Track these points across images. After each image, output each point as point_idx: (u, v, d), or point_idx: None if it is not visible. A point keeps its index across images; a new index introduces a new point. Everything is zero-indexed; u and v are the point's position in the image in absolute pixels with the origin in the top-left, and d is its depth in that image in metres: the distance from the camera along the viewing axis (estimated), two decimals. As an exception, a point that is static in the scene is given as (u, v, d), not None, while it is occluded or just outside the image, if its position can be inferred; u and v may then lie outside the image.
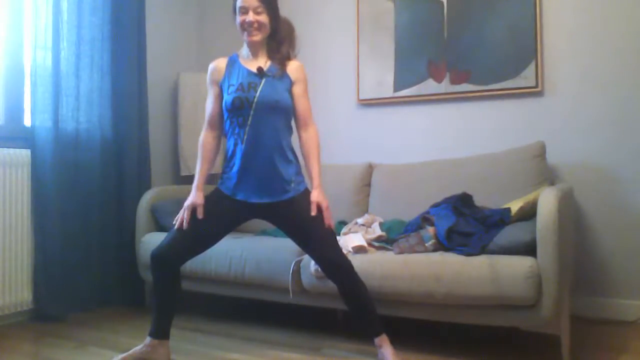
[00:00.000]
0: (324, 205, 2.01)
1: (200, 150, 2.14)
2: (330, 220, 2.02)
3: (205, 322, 2.74)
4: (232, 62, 2.10)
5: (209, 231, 2.06)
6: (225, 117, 2.06)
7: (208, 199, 2.09)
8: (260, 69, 2.03)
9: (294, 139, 2.11)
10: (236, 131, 2.01)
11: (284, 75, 2.04)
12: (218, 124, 2.12)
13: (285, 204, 2.02)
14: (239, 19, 2.01)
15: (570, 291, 2.26)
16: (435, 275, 2.09)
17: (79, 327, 2.66)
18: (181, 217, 2.04)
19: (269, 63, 2.06)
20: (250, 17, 1.98)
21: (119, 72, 3.16)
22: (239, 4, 2.00)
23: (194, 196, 2.05)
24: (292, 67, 2.07)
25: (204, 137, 2.13)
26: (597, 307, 2.68)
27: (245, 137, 1.99)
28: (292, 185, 2.03)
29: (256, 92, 1.98)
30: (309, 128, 2.08)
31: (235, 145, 2.03)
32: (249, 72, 2.04)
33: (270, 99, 1.98)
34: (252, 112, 1.98)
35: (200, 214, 2.01)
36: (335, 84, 3.39)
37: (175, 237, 2.02)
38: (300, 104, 2.06)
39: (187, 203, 2.05)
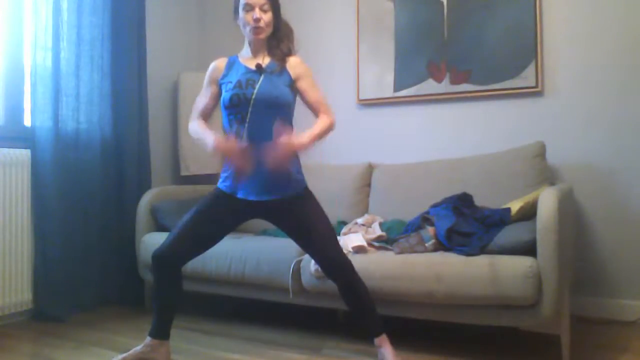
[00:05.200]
0: (295, 141, 1.85)
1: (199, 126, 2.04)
2: (293, 141, 1.84)
3: (205, 322, 2.74)
4: (232, 62, 2.09)
5: (209, 231, 2.05)
6: (224, 115, 2.05)
7: (208, 198, 2.08)
8: (258, 66, 2.02)
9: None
10: (235, 128, 2.00)
11: (283, 71, 2.03)
12: (208, 118, 2.09)
13: (285, 202, 2.01)
14: (244, 16, 2.00)
15: (570, 291, 2.26)
16: (435, 275, 2.09)
17: (79, 327, 2.66)
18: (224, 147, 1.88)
19: (268, 60, 2.05)
20: (257, 14, 1.97)
21: (119, 72, 3.16)
22: (243, 1, 1.98)
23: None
24: (292, 64, 2.05)
25: (197, 121, 2.06)
26: (597, 307, 2.68)
27: (244, 134, 1.98)
28: (292, 183, 2.02)
29: (254, 88, 1.97)
30: (325, 116, 2.02)
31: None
32: (247, 70, 2.03)
33: (270, 95, 1.97)
34: (250, 109, 1.97)
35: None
36: (335, 84, 3.39)
37: (176, 237, 2.02)
38: (310, 96, 2.03)
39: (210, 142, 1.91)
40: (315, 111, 2.05)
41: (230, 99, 1.98)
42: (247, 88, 1.98)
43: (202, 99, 2.10)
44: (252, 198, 2.00)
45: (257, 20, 1.97)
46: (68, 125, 2.93)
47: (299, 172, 2.07)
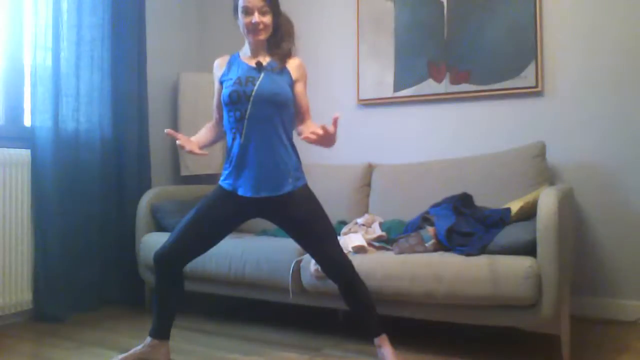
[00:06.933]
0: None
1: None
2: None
3: (205, 322, 2.74)
4: (233, 60, 2.10)
5: (211, 230, 2.05)
6: (224, 112, 2.05)
7: (210, 197, 2.08)
8: (259, 63, 2.02)
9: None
10: (234, 125, 2.00)
11: (283, 70, 2.04)
12: (221, 119, 2.14)
13: (284, 199, 2.00)
14: (243, 19, 1.99)
15: (570, 291, 2.26)
16: (435, 275, 2.09)
17: (79, 327, 2.66)
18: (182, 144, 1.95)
19: (268, 59, 2.05)
20: (256, 18, 1.96)
21: (119, 72, 3.16)
22: (242, 4, 1.97)
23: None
24: (293, 64, 2.06)
25: (209, 122, 2.20)
26: (597, 307, 2.68)
27: (244, 131, 1.98)
28: (291, 180, 2.01)
29: (254, 85, 1.97)
30: (308, 122, 2.08)
31: (234, 139, 2.01)
32: (248, 67, 2.03)
33: (270, 92, 1.97)
34: (249, 106, 1.97)
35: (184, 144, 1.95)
36: (335, 84, 3.39)
37: (178, 237, 2.02)
38: (304, 102, 2.07)
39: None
40: (303, 115, 2.07)
41: (230, 95, 1.99)
42: (246, 85, 1.98)
43: (214, 98, 2.15)
44: (251, 195, 2.00)
45: (257, 24, 1.97)
46: (68, 125, 2.93)
47: (298, 169, 2.06)
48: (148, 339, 2.07)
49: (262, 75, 2.00)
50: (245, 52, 2.10)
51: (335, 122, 1.81)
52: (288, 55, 2.07)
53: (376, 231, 2.55)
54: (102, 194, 3.04)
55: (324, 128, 1.80)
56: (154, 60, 3.45)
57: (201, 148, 2.02)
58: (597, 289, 2.70)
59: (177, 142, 1.94)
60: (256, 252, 2.53)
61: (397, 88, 3.18)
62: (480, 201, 2.51)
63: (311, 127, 1.95)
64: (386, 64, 3.21)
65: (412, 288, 2.14)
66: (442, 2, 3.05)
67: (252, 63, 2.04)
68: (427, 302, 2.15)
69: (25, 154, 2.75)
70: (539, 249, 1.97)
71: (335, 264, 2.03)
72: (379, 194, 2.96)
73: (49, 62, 2.83)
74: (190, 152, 1.93)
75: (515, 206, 2.25)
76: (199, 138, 2.11)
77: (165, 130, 1.96)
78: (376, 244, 2.45)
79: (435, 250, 2.26)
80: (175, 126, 3.63)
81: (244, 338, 2.48)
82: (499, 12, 2.90)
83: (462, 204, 2.43)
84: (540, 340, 2.32)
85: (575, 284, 2.58)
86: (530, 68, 2.82)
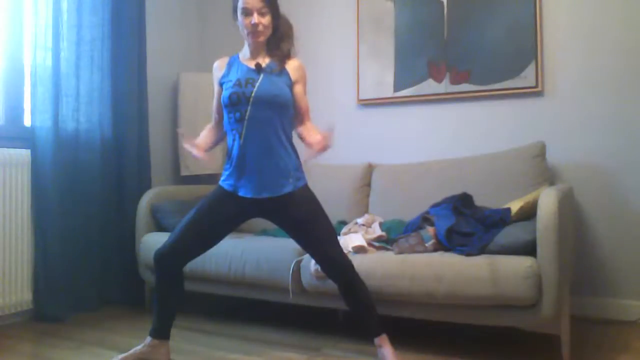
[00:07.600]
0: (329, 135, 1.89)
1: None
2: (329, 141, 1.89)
3: (205, 322, 2.74)
4: (232, 61, 2.11)
5: (211, 230, 2.05)
6: (224, 113, 2.06)
7: (210, 197, 2.08)
8: (258, 65, 2.02)
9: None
10: (234, 127, 2.01)
11: (282, 71, 2.04)
12: (221, 120, 2.15)
13: (285, 200, 2.01)
14: (242, 20, 2.00)
15: (570, 291, 2.26)
16: (435, 275, 2.10)
17: (79, 327, 2.66)
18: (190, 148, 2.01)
19: (268, 60, 2.06)
20: (255, 19, 1.96)
21: (119, 72, 3.16)
22: (241, 5, 1.98)
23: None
24: (292, 66, 2.07)
25: (209, 124, 2.21)
26: (597, 307, 2.68)
27: (243, 132, 1.98)
28: (291, 180, 2.02)
29: (254, 87, 1.98)
30: (308, 123, 2.09)
31: (234, 140, 2.02)
32: (248, 69, 2.04)
33: (269, 94, 1.98)
34: (249, 108, 1.97)
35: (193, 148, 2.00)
36: (335, 84, 3.39)
37: (179, 236, 2.02)
38: (303, 104, 2.08)
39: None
40: (302, 117, 2.08)
41: (229, 97, 1.99)
42: (246, 86, 1.98)
43: (214, 99, 2.16)
44: (252, 195, 2.01)
45: (256, 25, 1.97)
46: (68, 125, 2.94)
47: (298, 169, 2.07)
48: (148, 339, 2.07)
49: (261, 76, 2.00)
50: (244, 53, 2.10)
51: (328, 137, 1.87)
52: (287, 56, 2.07)
53: (376, 231, 2.55)
54: (102, 194, 3.04)
55: (318, 144, 1.87)
56: (154, 60, 3.45)
57: (206, 152, 2.06)
58: (597, 289, 2.70)
59: (185, 145, 1.98)
60: (256, 252, 2.53)
61: (397, 88, 3.18)
62: (480, 201, 2.51)
63: (311, 132, 2.00)
64: (386, 64, 3.21)
65: (412, 288, 2.14)
66: (442, 2, 3.05)
67: (252, 65, 2.04)
68: (427, 302, 2.15)
69: (25, 154, 2.75)
70: (539, 249, 1.97)
71: (336, 264, 2.03)
72: (379, 194, 2.96)
73: (49, 62, 2.83)
74: (199, 157, 1.98)
75: (515, 206, 2.25)
76: (201, 141, 2.12)
77: (178, 130, 1.97)
78: (376, 244, 2.45)
79: (435, 250, 2.26)
80: (175, 126, 3.63)
81: (244, 338, 2.48)
82: (499, 12, 2.90)
83: (462, 204, 2.43)
84: (540, 340, 2.32)
85: (575, 284, 2.58)
86: (530, 68, 2.82)
